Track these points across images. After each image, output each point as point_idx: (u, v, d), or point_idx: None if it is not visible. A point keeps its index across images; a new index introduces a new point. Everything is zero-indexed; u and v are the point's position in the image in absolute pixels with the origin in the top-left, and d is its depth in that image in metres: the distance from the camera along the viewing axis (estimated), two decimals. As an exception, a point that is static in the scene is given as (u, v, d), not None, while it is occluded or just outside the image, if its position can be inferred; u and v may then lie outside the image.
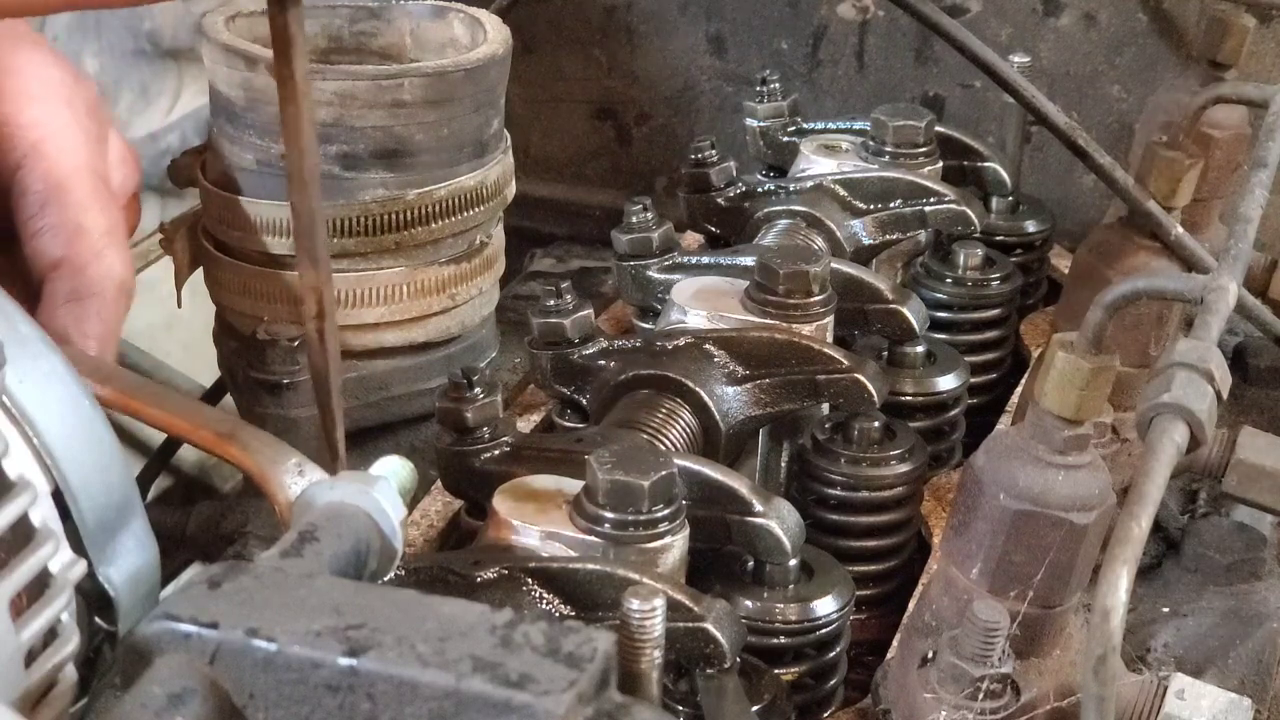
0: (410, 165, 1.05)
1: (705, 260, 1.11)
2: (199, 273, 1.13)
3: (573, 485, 0.83)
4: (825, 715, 0.90)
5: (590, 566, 0.78)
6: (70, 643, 0.59)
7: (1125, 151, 1.32)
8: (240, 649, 0.51)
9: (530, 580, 0.78)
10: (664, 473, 0.79)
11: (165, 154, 1.38)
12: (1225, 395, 0.68)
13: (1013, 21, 1.47)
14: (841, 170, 1.21)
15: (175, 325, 1.50)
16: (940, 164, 1.24)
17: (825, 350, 0.97)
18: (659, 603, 0.66)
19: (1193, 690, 0.77)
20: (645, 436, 0.93)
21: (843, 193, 1.19)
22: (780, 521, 0.85)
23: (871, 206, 1.19)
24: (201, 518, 1.07)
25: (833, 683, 0.91)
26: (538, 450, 0.91)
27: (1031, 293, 1.32)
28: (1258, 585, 1.01)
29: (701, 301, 1.03)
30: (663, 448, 0.92)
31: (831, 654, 0.89)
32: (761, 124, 1.30)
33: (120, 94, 1.51)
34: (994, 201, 1.30)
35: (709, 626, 0.76)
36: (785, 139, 1.30)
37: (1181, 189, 1.06)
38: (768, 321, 1.00)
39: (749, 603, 0.86)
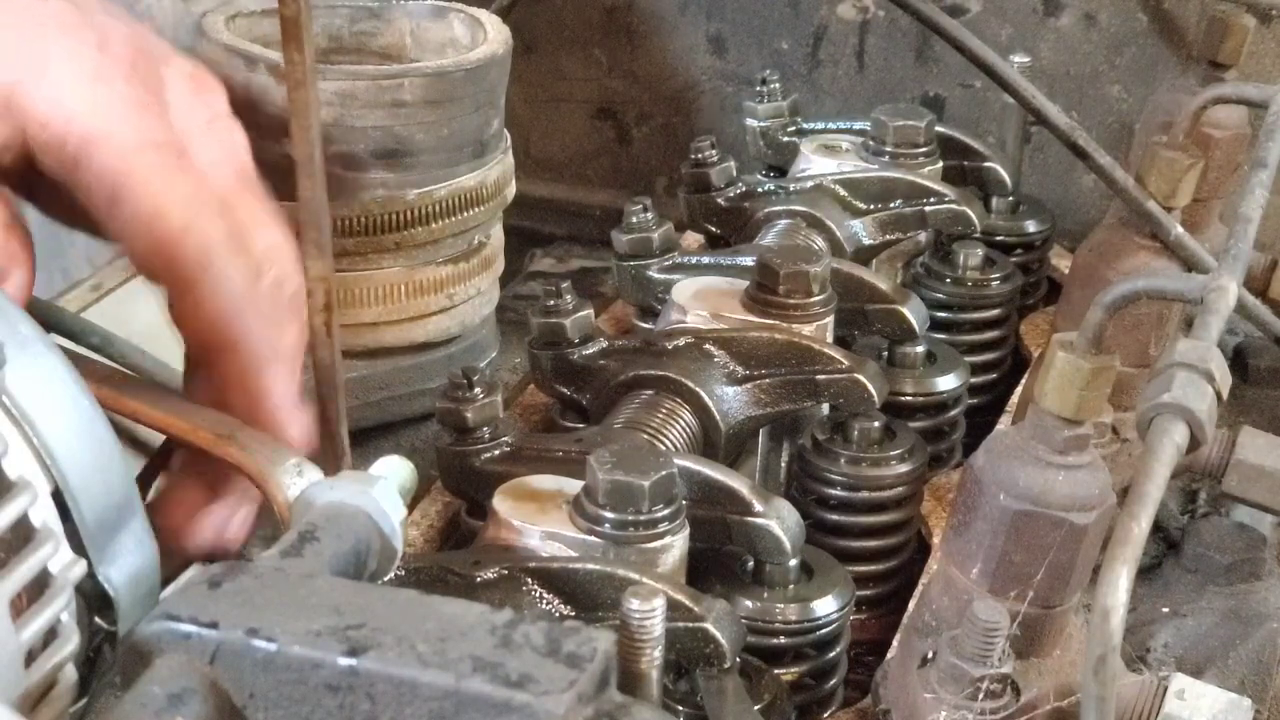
0: (410, 165, 1.05)
1: (705, 260, 1.11)
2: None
3: (573, 485, 0.83)
4: (825, 715, 0.90)
5: (590, 566, 0.77)
6: (70, 643, 0.59)
7: (1125, 151, 1.32)
8: (240, 649, 0.51)
9: (530, 580, 0.78)
10: (664, 473, 0.79)
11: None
12: (1225, 395, 0.68)
13: (1013, 21, 1.46)
14: (841, 170, 1.21)
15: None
16: (940, 164, 1.24)
17: (825, 350, 0.97)
18: (659, 603, 0.66)
19: (1193, 690, 0.77)
20: (645, 437, 0.93)
21: (843, 193, 1.19)
22: (780, 521, 0.85)
23: (871, 206, 1.19)
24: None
25: (832, 683, 0.91)
26: (538, 450, 0.91)
27: (1031, 293, 1.32)
28: (1258, 585, 1.01)
29: (701, 301, 1.03)
30: (663, 448, 0.92)
31: (831, 654, 0.89)
32: (761, 124, 1.30)
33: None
34: (994, 201, 1.30)
35: (709, 626, 0.76)
36: (785, 139, 1.30)
37: (1181, 189, 1.06)
38: (768, 322, 1.00)
39: (749, 603, 0.86)
